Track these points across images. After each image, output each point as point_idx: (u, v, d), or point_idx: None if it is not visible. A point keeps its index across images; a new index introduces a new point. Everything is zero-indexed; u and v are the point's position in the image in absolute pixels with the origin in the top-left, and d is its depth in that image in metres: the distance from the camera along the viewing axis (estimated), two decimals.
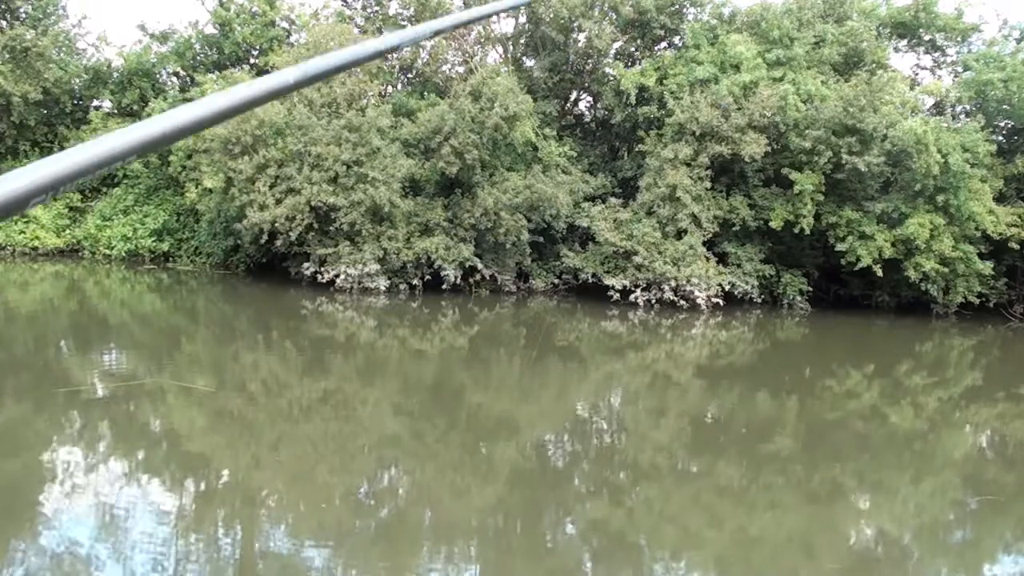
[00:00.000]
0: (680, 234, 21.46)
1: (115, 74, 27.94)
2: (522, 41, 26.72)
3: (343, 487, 7.62)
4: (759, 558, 6.43)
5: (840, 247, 21.40)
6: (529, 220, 21.70)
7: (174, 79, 28.50)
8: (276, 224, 19.88)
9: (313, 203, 19.78)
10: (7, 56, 25.14)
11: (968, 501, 8.22)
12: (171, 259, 25.88)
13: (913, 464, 9.33)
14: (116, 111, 27.92)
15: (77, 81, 27.82)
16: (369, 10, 26.85)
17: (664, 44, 26.12)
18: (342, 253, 20.28)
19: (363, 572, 5.93)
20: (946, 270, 21.32)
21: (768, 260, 22.58)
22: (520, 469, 8.59)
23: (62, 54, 27.06)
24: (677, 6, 25.10)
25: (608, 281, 21.76)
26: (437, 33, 1.17)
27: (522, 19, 26.35)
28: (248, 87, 0.83)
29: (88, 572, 5.44)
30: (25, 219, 26.10)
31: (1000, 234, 21.42)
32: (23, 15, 26.76)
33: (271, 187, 20.19)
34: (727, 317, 20.86)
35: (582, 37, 25.01)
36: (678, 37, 25.45)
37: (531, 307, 21.19)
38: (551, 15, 24.27)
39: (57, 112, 27.53)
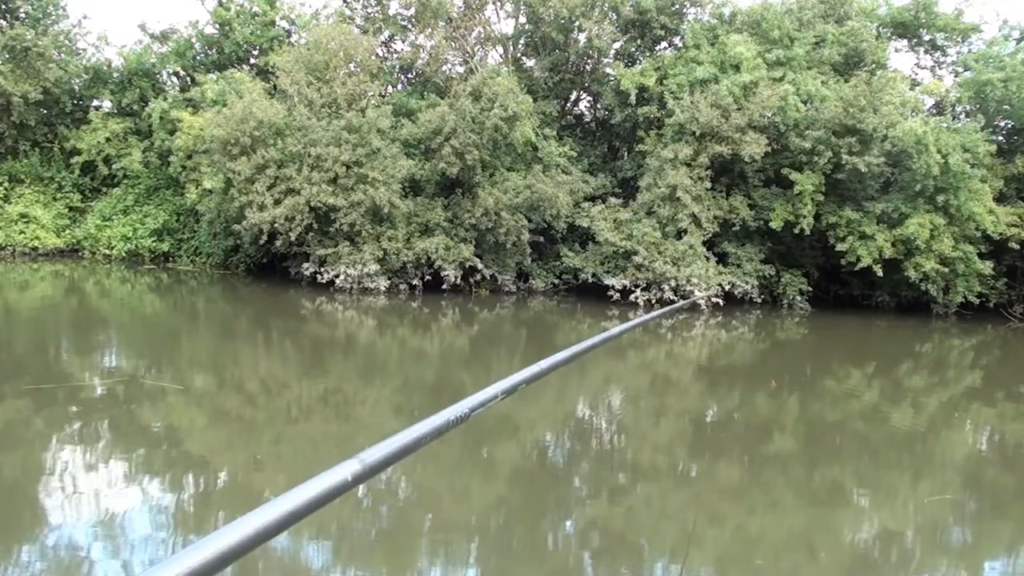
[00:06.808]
0: (680, 234, 21.48)
1: (115, 74, 27.99)
2: (522, 41, 26.74)
3: None
4: (759, 557, 6.43)
5: (840, 247, 21.41)
6: (529, 220, 21.71)
7: (174, 79, 28.55)
8: (275, 224, 19.90)
9: (313, 203, 19.78)
10: (7, 56, 25.16)
11: (964, 500, 8.22)
12: (171, 259, 25.90)
13: (912, 464, 9.32)
14: (116, 111, 27.94)
15: (77, 81, 27.85)
16: (370, 10, 26.86)
17: (664, 44, 26.14)
18: (342, 253, 20.28)
19: (363, 572, 5.92)
20: (946, 270, 21.34)
21: (768, 260, 22.59)
22: (520, 469, 8.59)
23: (62, 54, 27.09)
24: (677, 6, 25.13)
25: (608, 281, 21.79)
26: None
27: (522, 19, 26.37)
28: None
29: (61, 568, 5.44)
30: (25, 219, 26.10)
31: (1000, 234, 21.43)
32: (23, 15, 26.77)
33: (270, 188, 20.19)
34: (727, 317, 20.86)
35: (582, 37, 25.03)
36: (678, 37, 25.48)
37: (531, 307, 21.18)
38: (551, 15, 24.28)
39: (57, 112, 27.55)
